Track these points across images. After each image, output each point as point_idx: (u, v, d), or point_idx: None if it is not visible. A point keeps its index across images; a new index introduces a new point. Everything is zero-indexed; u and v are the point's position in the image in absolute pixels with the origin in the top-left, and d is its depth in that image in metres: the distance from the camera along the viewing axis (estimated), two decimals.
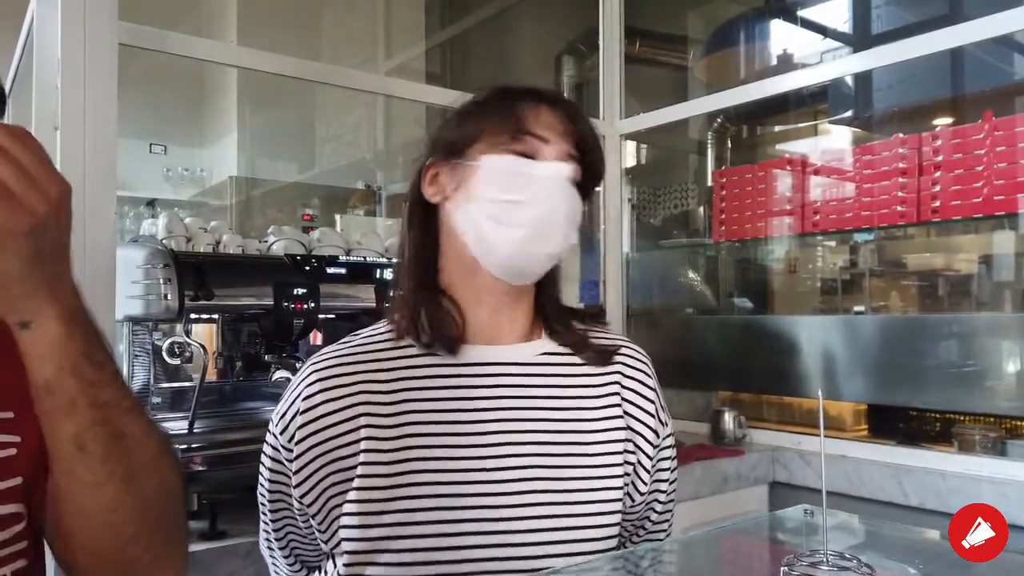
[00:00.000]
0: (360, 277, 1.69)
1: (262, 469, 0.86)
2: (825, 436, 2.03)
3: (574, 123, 0.84)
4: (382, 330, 0.87)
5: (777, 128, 3.94)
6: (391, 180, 4.28)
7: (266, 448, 0.86)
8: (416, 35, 4.36)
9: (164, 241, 1.55)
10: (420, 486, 0.77)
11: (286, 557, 0.88)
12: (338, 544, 0.79)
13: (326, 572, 0.83)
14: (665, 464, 0.91)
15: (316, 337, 1.79)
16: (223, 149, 3.91)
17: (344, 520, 0.77)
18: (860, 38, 3.43)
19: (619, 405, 0.87)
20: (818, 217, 2.31)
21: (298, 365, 1.65)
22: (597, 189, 0.89)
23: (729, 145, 3.82)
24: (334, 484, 0.79)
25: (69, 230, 0.61)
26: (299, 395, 0.82)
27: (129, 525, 0.64)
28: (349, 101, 4.22)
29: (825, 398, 2.17)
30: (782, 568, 0.61)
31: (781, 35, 3.82)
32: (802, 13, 3.76)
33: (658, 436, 0.89)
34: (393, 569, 0.75)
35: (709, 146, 3.85)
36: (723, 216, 2.56)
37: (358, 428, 0.79)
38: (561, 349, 0.87)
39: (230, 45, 1.80)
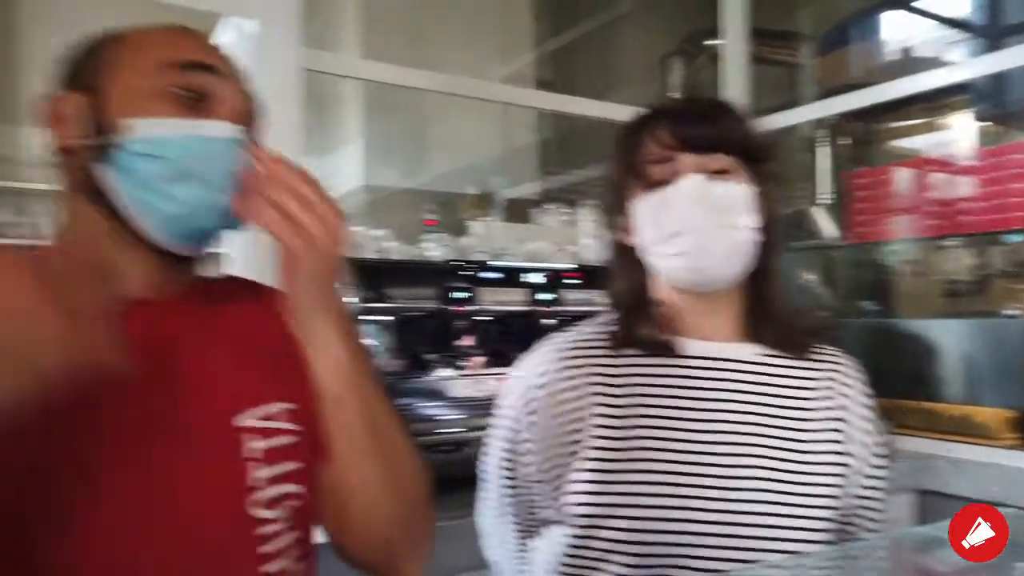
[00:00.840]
0: (511, 281, 1.78)
1: (490, 442, 0.95)
2: (974, 444, 1.99)
3: (691, 125, 0.86)
4: (601, 327, 0.93)
5: (896, 124, 3.79)
6: (505, 185, 4.40)
7: (497, 422, 0.94)
8: (528, 43, 4.46)
9: None
10: (648, 462, 0.83)
11: (515, 525, 0.96)
12: (562, 510, 0.86)
13: (551, 539, 0.90)
14: (877, 473, 0.92)
15: (469, 339, 1.88)
16: (347, 158, 4.11)
17: (574, 488, 0.84)
18: (990, 28, 3.28)
19: (834, 411, 0.90)
20: (953, 219, 2.24)
21: (466, 364, 1.76)
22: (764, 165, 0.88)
23: (849, 142, 3.73)
24: (565, 455, 0.86)
25: (343, 255, 0.69)
26: (536, 371, 0.90)
27: (393, 509, 0.74)
28: (461, 107, 4.35)
29: (969, 403, 2.11)
30: None
31: (902, 27, 3.70)
32: (922, 3, 3.63)
33: (872, 443, 0.91)
34: (617, 542, 0.82)
35: (822, 145, 3.77)
36: (858, 218, 2.52)
37: (590, 405, 0.86)
38: (776, 351, 0.91)
39: (409, 69, 1.92)
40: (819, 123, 3.56)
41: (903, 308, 2.85)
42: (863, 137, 3.76)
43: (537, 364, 0.91)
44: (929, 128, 3.47)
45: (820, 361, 0.92)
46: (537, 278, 1.80)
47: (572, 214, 2.53)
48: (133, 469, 0.63)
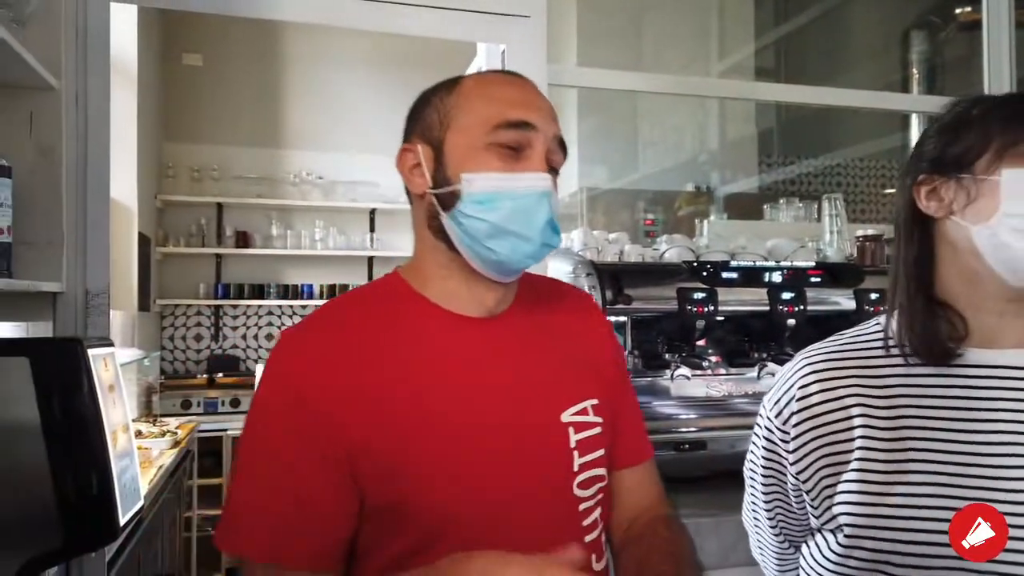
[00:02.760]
0: (751, 281, 1.76)
1: (754, 449, 0.97)
2: None
3: None
4: (870, 332, 0.92)
5: None
6: (726, 179, 4.29)
7: (758, 431, 0.96)
8: (747, 34, 4.31)
9: (580, 252, 1.77)
10: (919, 474, 0.81)
11: (772, 529, 0.98)
12: (830, 520, 0.86)
13: (817, 547, 0.91)
14: None
15: (706, 339, 1.88)
16: (567, 163, 4.24)
17: (841, 498, 0.84)
18: None
19: None
20: None
21: (704, 364, 1.78)
22: None
23: None
24: (829, 466, 0.86)
25: None
26: (795, 384, 0.90)
27: None
28: (673, 104, 4.31)
29: None
30: None
31: None
32: None
33: None
34: (883, 552, 0.80)
35: None
36: None
37: (852, 418, 0.85)
38: None
39: (625, 72, 1.98)
40: None
41: None
42: None
43: (795, 375, 0.91)
44: None
45: None
46: (777, 277, 1.76)
47: (807, 207, 2.43)
48: (491, 463, 0.75)
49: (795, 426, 0.89)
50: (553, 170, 0.80)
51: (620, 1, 4.12)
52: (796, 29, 4.45)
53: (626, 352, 1.75)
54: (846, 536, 0.84)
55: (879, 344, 0.89)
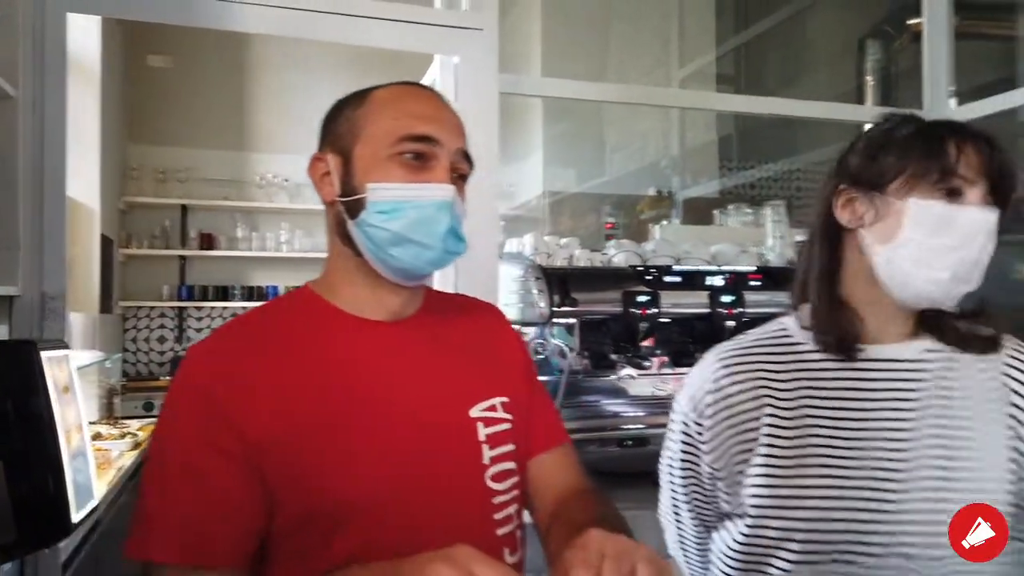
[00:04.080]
0: (694, 285, 1.84)
1: (670, 445, 1.04)
2: None
3: (994, 159, 0.86)
4: (773, 332, 0.99)
5: None
6: (685, 184, 4.39)
7: (673, 427, 1.02)
8: (708, 42, 4.42)
9: (532, 257, 1.83)
10: (818, 458, 0.88)
11: (693, 520, 1.04)
12: (740, 506, 0.93)
13: (728, 531, 0.98)
14: None
15: (648, 340, 1.96)
16: (531, 166, 4.30)
17: (748, 482, 0.91)
18: None
19: (1008, 395, 0.90)
20: None
21: (647, 364, 1.85)
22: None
23: None
24: (739, 452, 0.93)
25: None
26: (708, 378, 0.97)
27: None
28: (637, 110, 4.39)
29: None
30: None
31: None
32: None
33: None
34: (787, 531, 0.88)
35: None
36: None
37: (760, 407, 0.93)
38: (941, 346, 0.92)
39: (591, 83, 2.05)
40: None
41: None
42: None
43: (708, 370, 0.98)
44: None
45: (989, 343, 0.91)
46: (719, 281, 1.83)
47: (755, 213, 2.51)
48: (397, 453, 0.79)
49: (709, 417, 0.96)
50: (461, 177, 0.84)
51: (584, 11, 4.19)
52: (755, 37, 4.56)
53: (575, 353, 1.82)
54: (752, 517, 0.91)
55: (781, 341, 0.97)
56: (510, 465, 0.86)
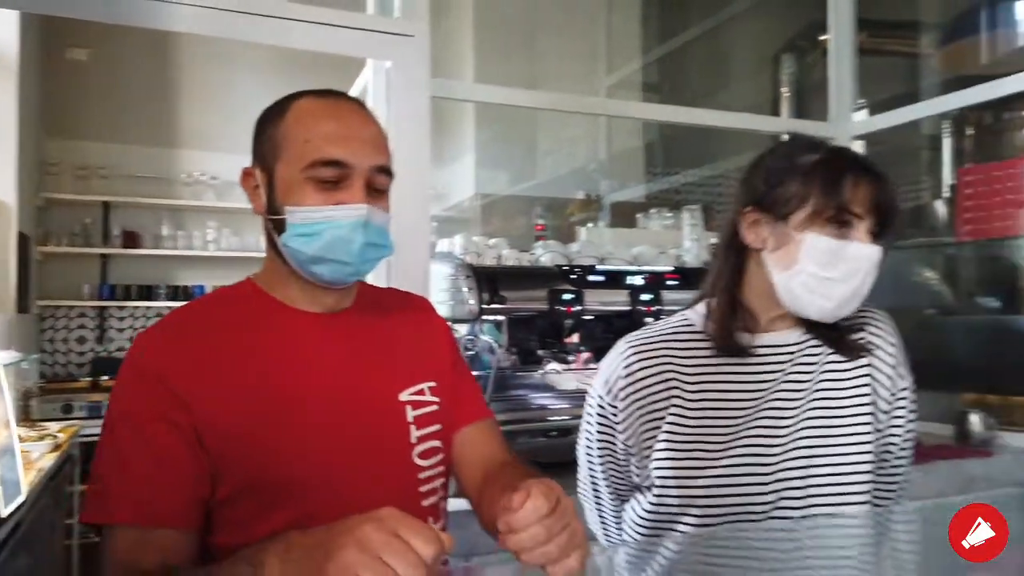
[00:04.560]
0: (615, 283, 1.94)
1: (587, 428, 1.12)
2: None
3: (882, 194, 0.96)
4: (678, 322, 1.09)
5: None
6: (613, 188, 4.53)
7: (590, 411, 1.12)
8: (634, 51, 4.58)
9: (461, 256, 1.90)
10: (713, 434, 0.99)
11: (611, 496, 1.13)
12: (648, 478, 1.03)
13: (638, 501, 1.07)
14: (900, 414, 1.05)
15: (574, 337, 2.06)
16: (464, 168, 4.37)
17: (656, 456, 1.01)
18: None
19: (867, 374, 1.03)
20: None
21: (571, 359, 1.94)
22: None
23: (972, 133, 3.60)
24: (648, 429, 1.03)
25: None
26: (620, 364, 1.07)
27: None
28: (567, 115, 4.51)
29: None
30: None
31: None
32: None
33: (895, 385, 1.04)
34: (689, 498, 0.98)
35: (945, 136, 3.65)
36: (968, 215, 2.50)
37: (667, 388, 1.03)
38: (818, 329, 1.04)
39: (521, 90, 2.13)
40: (943, 114, 3.46)
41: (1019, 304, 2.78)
42: (991, 127, 3.62)
43: (620, 356, 1.08)
44: None
45: (854, 320, 1.03)
46: (638, 280, 1.94)
47: (675, 217, 2.65)
48: (332, 432, 0.85)
49: (622, 399, 1.05)
50: (380, 190, 0.89)
51: (516, 19, 4.28)
52: (679, 48, 4.74)
53: (503, 349, 1.90)
54: (658, 488, 1.01)
55: (686, 331, 1.07)
56: (436, 443, 0.94)
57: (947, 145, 3.69)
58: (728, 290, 1.04)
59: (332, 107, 0.90)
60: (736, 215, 1.03)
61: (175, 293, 4.47)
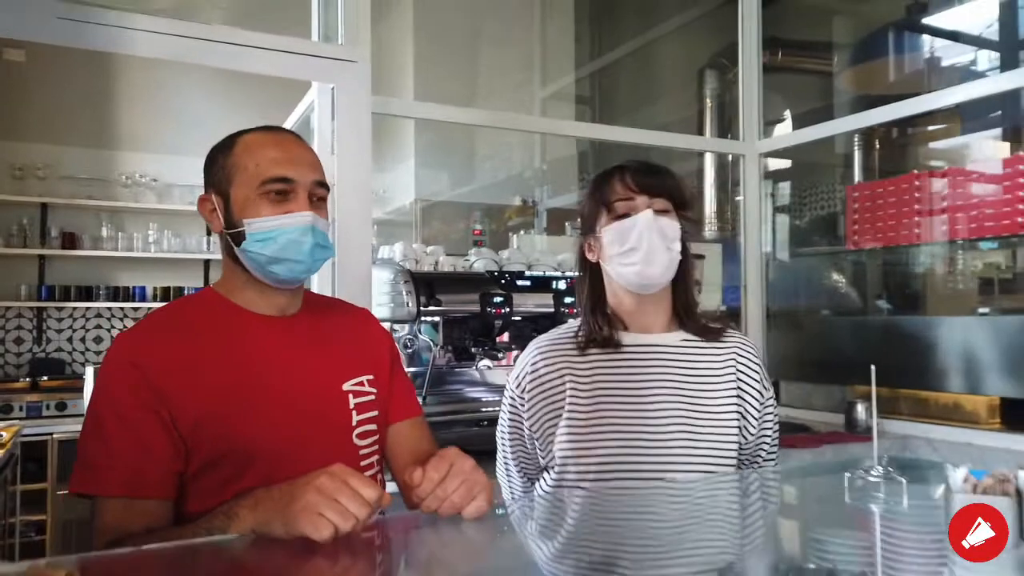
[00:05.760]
0: (541, 287, 2.14)
1: (502, 417, 1.33)
2: (957, 427, 2.25)
3: (642, 177, 1.22)
4: (575, 325, 1.30)
5: (931, 128, 3.88)
6: (548, 195, 4.75)
7: (505, 402, 1.32)
8: (568, 65, 4.80)
9: (401, 263, 2.07)
10: (605, 419, 1.20)
11: (520, 475, 1.33)
12: (551, 459, 1.23)
13: (544, 480, 1.28)
14: (769, 418, 1.29)
15: (504, 336, 2.25)
16: (404, 174, 4.52)
17: (558, 439, 1.22)
18: (1007, 45, 3.48)
19: (734, 375, 1.26)
20: (959, 226, 2.50)
21: (500, 356, 2.13)
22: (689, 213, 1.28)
23: (877, 146, 3.90)
24: (549, 417, 1.24)
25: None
26: (527, 362, 1.28)
27: None
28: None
29: (961, 392, 2.37)
30: (846, 475, 0.98)
31: (928, 42, 3.88)
32: (947, 18, 3.80)
33: (762, 396, 1.28)
34: (585, 472, 1.19)
35: (856, 148, 3.97)
36: (855, 227, 2.80)
37: (564, 383, 1.24)
38: (694, 337, 1.27)
39: (459, 108, 2.31)
40: (853, 130, 3.75)
41: (918, 307, 3.09)
42: (898, 141, 3.94)
43: (528, 356, 1.29)
44: (954, 133, 3.65)
45: (726, 341, 1.29)
46: (562, 285, 2.15)
47: None
48: (288, 414, 1.03)
49: (528, 391, 1.26)
50: (321, 199, 1.08)
51: (454, 36, 4.45)
52: (610, 64, 5.00)
53: (439, 347, 2.08)
54: (559, 466, 1.21)
55: (582, 332, 1.28)
56: (372, 427, 1.13)
57: (857, 159, 4.02)
58: (590, 301, 1.29)
59: (274, 137, 1.09)
60: (581, 245, 1.30)
61: (115, 294, 4.48)
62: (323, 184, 1.08)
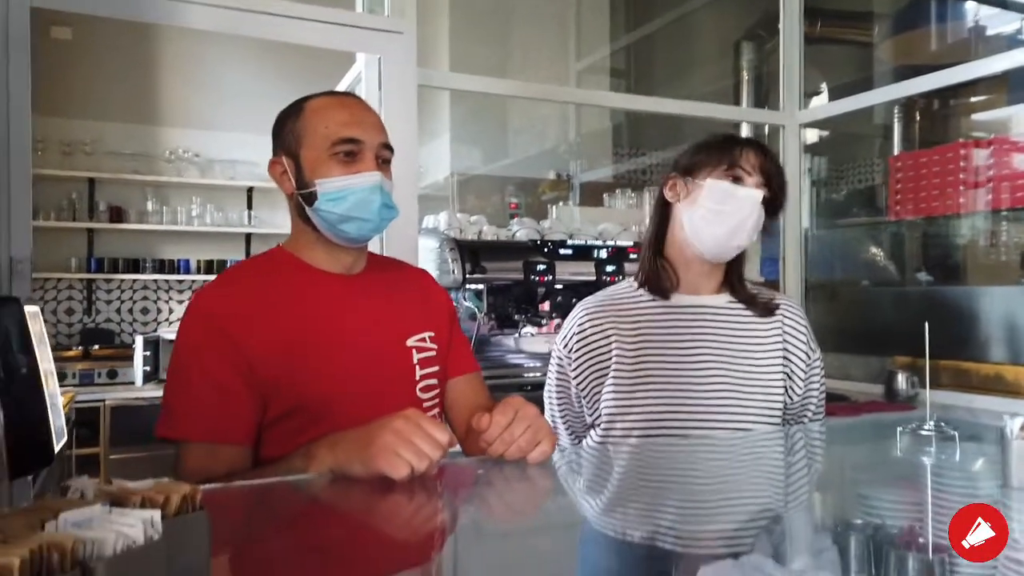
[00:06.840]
0: (583, 256, 2.18)
1: (550, 376, 1.37)
2: (999, 397, 2.25)
3: (767, 163, 1.24)
4: (623, 287, 1.34)
5: (973, 99, 3.80)
6: (581, 168, 4.75)
7: (553, 362, 1.36)
8: (603, 38, 4.78)
9: (446, 232, 2.12)
10: (651, 376, 1.24)
11: (566, 428, 1.38)
12: (598, 416, 1.27)
13: (590, 437, 1.33)
14: (816, 378, 1.32)
15: (544, 305, 2.29)
16: (439, 147, 4.55)
17: (604, 397, 1.26)
18: None
19: (780, 336, 1.29)
20: (1004, 195, 2.47)
21: (543, 323, 2.17)
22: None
23: (918, 118, 3.84)
24: (596, 376, 1.28)
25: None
26: (574, 323, 1.32)
27: None
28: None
29: (1003, 363, 2.36)
30: (898, 429, 1.00)
31: (972, 10, 3.78)
32: None
33: (808, 357, 1.31)
34: (631, 429, 1.23)
35: (896, 120, 3.91)
36: (898, 197, 2.78)
37: (609, 342, 1.27)
38: (742, 301, 1.30)
39: (496, 79, 2.34)
40: (893, 101, 3.69)
41: (960, 278, 3.05)
42: (940, 112, 3.86)
43: (575, 317, 1.33)
44: (1000, 103, 3.57)
45: (775, 307, 1.31)
46: (603, 254, 2.18)
47: (638, 197, 2.89)
48: (356, 367, 1.08)
49: (575, 351, 1.30)
50: (386, 162, 1.12)
51: (489, 9, 4.45)
52: (645, 36, 4.96)
53: (482, 314, 2.13)
54: (605, 422, 1.25)
55: (627, 294, 1.32)
56: (434, 381, 1.18)
57: (897, 130, 3.96)
58: (653, 244, 1.31)
59: (341, 100, 1.13)
60: (662, 183, 1.31)
61: (160, 266, 4.61)
62: (388, 146, 1.12)
